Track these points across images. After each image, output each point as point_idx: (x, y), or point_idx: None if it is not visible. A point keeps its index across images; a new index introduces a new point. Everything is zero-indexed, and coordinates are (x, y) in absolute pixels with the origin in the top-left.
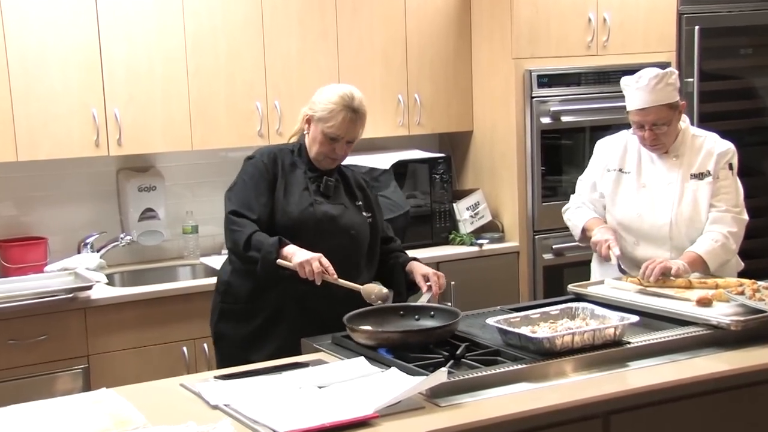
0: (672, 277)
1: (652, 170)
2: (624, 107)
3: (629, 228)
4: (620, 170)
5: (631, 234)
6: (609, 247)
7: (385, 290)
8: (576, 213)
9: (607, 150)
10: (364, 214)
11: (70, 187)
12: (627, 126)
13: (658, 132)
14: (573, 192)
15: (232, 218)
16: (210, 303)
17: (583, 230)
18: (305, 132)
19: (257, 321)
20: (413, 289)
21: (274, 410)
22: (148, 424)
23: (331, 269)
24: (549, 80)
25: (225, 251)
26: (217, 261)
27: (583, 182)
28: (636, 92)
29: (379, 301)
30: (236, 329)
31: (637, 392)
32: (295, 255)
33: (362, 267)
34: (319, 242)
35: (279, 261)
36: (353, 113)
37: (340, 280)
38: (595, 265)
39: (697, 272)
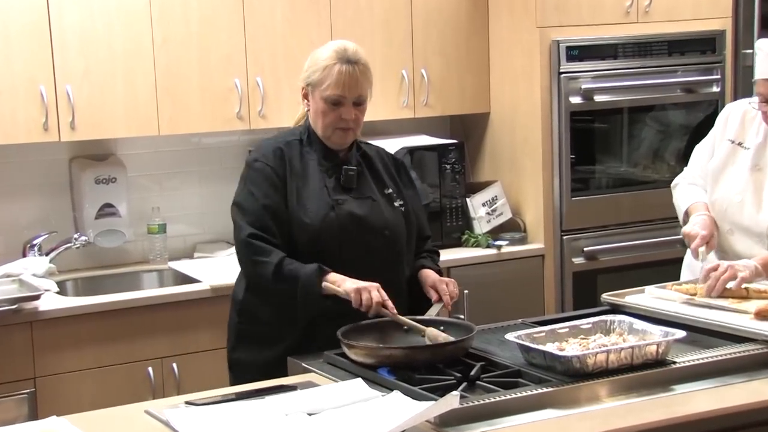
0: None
1: None
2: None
3: (725, 213)
4: (739, 144)
5: (725, 220)
6: (698, 246)
7: (451, 339)
8: (685, 192)
9: (731, 116)
10: (397, 204)
11: (14, 179)
12: (674, 107)
13: None
14: (607, 185)
15: (252, 245)
16: (186, 314)
17: (686, 215)
18: (307, 110)
19: (282, 345)
20: (423, 302)
21: None
22: None
23: (389, 303)
24: (580, 53)
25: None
26: (188, 266)
27: (699, 150)
28: (767, 59)
29: None
30: (257, 354)
31: (683, 421)
32: (345, 281)
33: (404, 267)
34: (346, 250)
35: (325, 285)
36: (349, 65)
37: (400, 316)
38: (686, 265)
39: None
